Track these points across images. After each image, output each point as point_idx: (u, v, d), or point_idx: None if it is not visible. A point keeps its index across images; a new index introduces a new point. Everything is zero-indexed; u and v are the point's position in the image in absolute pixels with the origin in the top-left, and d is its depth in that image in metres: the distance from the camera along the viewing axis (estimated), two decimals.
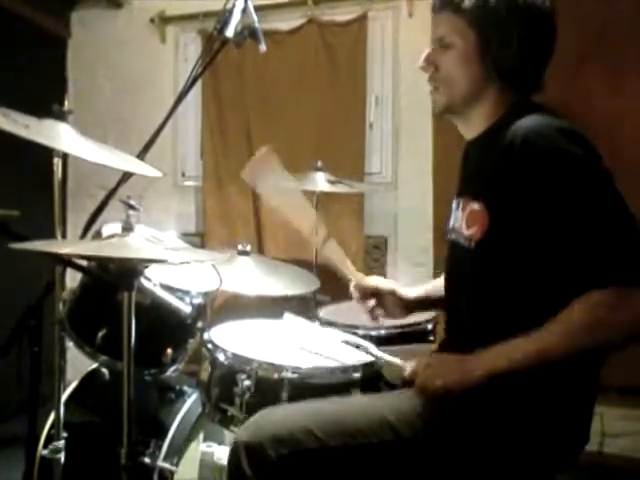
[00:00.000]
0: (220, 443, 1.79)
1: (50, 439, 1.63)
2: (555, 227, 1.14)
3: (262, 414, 1.27)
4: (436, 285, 1.57)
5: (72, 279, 1.74)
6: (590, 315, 1.11)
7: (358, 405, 1.29)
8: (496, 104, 1.30)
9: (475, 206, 1.27)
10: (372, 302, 1.58)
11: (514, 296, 1.22)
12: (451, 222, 1.40)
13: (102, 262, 1.58)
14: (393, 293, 1.58)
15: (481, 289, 1.28)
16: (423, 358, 1.29)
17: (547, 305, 1.16)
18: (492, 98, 1.30)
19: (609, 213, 1.13)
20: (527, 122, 1.19)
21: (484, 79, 1.28)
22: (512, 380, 1.18)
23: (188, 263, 1.55)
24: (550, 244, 1.16)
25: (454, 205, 1.40)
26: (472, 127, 1.36)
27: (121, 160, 1.49)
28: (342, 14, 3.13)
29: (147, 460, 1.64)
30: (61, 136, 1.39)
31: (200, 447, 1.78)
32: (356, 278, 1.61)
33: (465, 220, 1.30)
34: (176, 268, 1.75)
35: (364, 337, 1.70)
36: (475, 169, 1.35)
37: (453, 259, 1.41)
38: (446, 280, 1.45)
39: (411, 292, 1.60)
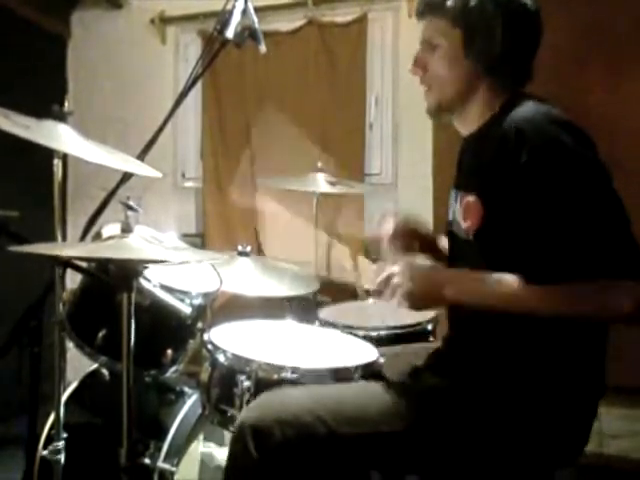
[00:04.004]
0: (220, 444, 1.79)
1: (50, 439, 1.63)
2: (543, 217, 1.16)
3: (268, 396, 1.27)
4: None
5: (72, 280, 1.74)
6: (571, 295, 1.12)
7: (365, 392, 1.29)
8: (489, 99, 1.32)
9: (470, 198, 1.29)
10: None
11: None
12: (450, 215, 1.42)
13: (102, 263, 1.58)
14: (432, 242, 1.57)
15: None
16: (400, 267, 1.27)
17: None
18: (484, 94, 1.32)
19: (596, 203, 1.14)
20: (520, 112, 1.23)
21: (472, 76, 1.31)
22: (516, 376, 1.21)
23: (187, 263, 1.56)
24: (540, 234, 1.17)
25: (452, 198, 1.42)
26: (467, 123, 1.38)
27: (121, 161, 1.49)
28: (342, 15, 3.14)
29: (147, 461, 1.64)
30: (61, 137, 1.39)
31: (200, 448, 1.78)
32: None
33: (462, 212, 1.33)
34: (176, 269, 1.76)
35: (364, 338, 1.70)
36: (471, 163, 1.38)
37: (454, 251, 1.44)
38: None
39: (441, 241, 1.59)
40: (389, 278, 1.25)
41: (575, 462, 1.28)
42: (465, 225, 1.31)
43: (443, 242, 1.58)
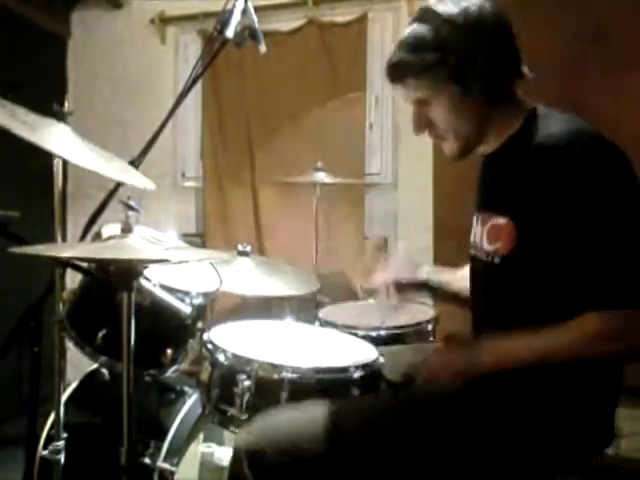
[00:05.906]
0: (220, 444, 1.79)
1: (50, 439, 1.63)
2: (577, 240, 1.13)
3: (264, 418, 1.28)
4: (453, 276, 1.60)
5: (72, 279, 1.74)
6: (600, 332, 1.12)
7: (357, 411, 1.29)
8: (505, 121, 1.28)
9: (500, 220, 1.25)
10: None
11: (536, 310, 1.21)
12: (472, 237, 1.39)
13: (102, 263, 1.58)
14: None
15: (505, 303, 1.27)
16: (433, 350, 1.33)
17: (566, 319, 1.15)
18: (498, 119, 1.28)
19: (630, 233, 1.12)
20: (549, 130, 1.19)
21: (481, 110, 1.26)
22: (530, 377, 1.19)
23: (187, 263, 1.55)
24: (573, 258, 1.14)
25: (474, 220, 1.39)
26: (487, 144, 1.33)
27: (117, 167, 1.47)
28: (342, 15, 3.14)
29: (147, 461, 1.64)
30: (59, 139, 1.38)
31: (200, 448, 1.78)
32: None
33: (486, 235, 1.29)
34: (176, 269, 1.75)
35: (364, 337, 1.70)
36: (497, 183, 1.32)
37: (473, 274, 1.40)
38: (471, 294, 1.44)
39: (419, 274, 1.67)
40: (447, 366, 1.26)
41: (585, 465, 1.27)
42: (491, 248, 1.27)
43: (423, 274, 1.65)
